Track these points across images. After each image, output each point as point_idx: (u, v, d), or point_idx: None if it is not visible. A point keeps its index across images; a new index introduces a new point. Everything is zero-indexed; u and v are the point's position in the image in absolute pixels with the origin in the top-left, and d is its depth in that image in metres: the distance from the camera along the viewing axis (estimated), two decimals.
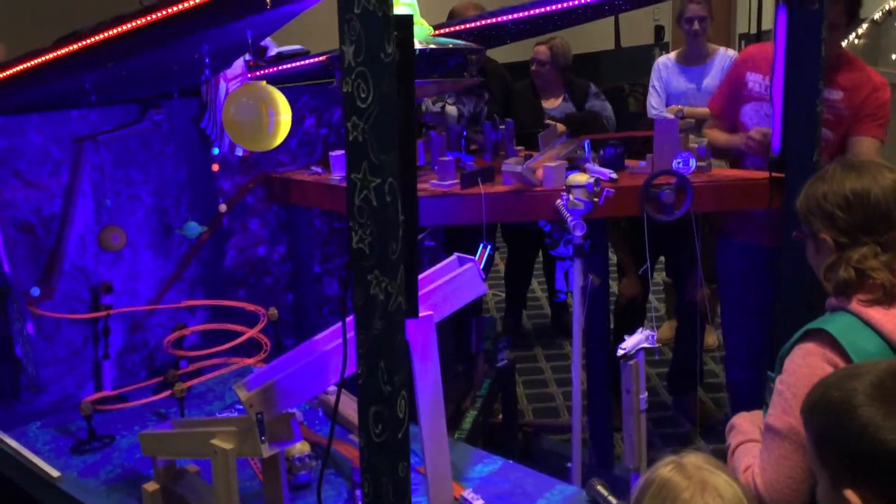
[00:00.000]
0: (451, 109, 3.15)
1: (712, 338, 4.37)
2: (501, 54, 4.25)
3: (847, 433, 1.13)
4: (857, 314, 1.50)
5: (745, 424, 1.67)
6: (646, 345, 1.96)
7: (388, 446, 1.23)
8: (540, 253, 4.80)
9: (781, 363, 1.54)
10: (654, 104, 4.10)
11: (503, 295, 4.91)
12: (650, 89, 4.15)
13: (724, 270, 3.07)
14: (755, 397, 2.00)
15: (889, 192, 1.51)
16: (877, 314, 1.48)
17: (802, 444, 1.39)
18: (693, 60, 4.06)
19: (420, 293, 1.64)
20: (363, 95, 1.14)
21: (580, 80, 4.31)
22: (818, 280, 1.61)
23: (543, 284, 5.18)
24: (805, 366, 1.48)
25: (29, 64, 1.73)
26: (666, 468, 1.22)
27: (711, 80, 3.99)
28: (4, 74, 1.78)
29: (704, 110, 3.97)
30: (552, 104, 4.26)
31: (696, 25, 3.96)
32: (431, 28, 2.54)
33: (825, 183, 1.56)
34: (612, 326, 3.32)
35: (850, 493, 1.12)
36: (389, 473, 1.24)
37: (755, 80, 2.86)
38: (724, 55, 4.05)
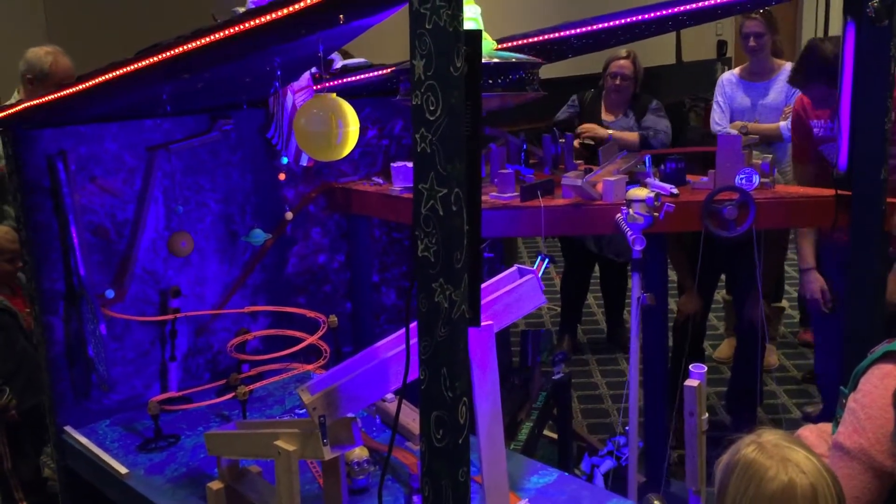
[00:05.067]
0: None
1: (773, 357, 4.29)
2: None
3: None
4: None
5: (812, 438, 1.64)
6: None
7: (448, 451, 1.25)
8: (596, 267, 4.79)
9: (856, 380, 1.51)
10: (718, 120, 4.06)
11: (558, 309, 4.90)
12: (714, 105, 4.11)
13: (824, 263, 3.08)
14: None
15: None
16: None
17: (871, 464, 1.37)
18: (757, 76, 4.00)
19: (481, 303, 1.66)
20: (432, 108, 1.17)
21: (645, 95, 4.29)
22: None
23: (599, 299, 5.15)
24: (882, 387, 1.46)
25: (112, 74, 1.81)
26: (748, 449, 1.24)
27: (776, 95, 3.93)
28: (88, 84, 1.86)
29: (768, 126, 3.92)
30: (610, 118, 4.25)
31: (751, 42, 3.91)
32: (495, 42, 2.57)
33: None
34: (670, 343, 3.29)
35: None
36: (450, 478, 1.26)
37: (819, 126, 2.97)
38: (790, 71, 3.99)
